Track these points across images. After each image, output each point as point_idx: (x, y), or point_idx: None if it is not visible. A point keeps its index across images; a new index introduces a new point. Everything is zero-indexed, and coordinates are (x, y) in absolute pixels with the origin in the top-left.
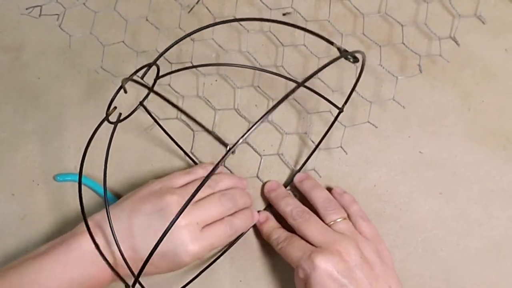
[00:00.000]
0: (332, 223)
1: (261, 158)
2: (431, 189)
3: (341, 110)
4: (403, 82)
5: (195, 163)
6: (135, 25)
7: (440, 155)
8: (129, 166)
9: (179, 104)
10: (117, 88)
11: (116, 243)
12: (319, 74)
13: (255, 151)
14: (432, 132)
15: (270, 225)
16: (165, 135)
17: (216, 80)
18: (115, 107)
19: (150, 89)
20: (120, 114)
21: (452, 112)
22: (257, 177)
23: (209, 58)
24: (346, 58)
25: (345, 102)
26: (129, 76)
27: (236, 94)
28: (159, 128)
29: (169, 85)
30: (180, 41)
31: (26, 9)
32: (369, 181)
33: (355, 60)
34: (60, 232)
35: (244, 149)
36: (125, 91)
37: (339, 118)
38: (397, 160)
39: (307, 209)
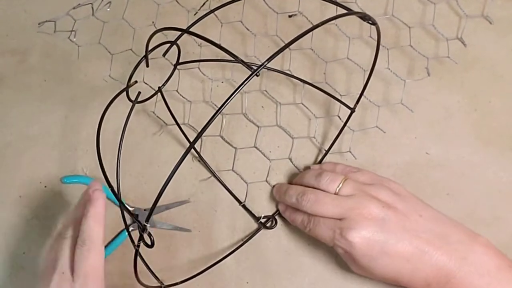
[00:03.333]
0: (337, 190)
1: (270, 162)
2: (438, 190)
3: (353, 110)
4: (409, 83)
5: (202, 160)
6: (143, 33)
7: (447, 156)
8: (135, 169)
9: (186, 110)
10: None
11: None
12: (327, 78)
13: (264, 155)
14: (439, 133)
15: (290, 211)
16: (171, 137)
17: (223, 82)
18: (136, 81)
19: (172, 71)
20: (139, 93)
21: (458, 113)
22: (266, 181)
23: (215, 62)
24: (364, 19)
25: (357, 101)
26: (150, 50)
27: (243, 98)
28: (165, 133)
29: (176, 91)
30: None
31: (38, 24)
32: None
33: (373, 23)
34: None
35: (252, 152)
36: (147, 65)
37: (348, 122)
38: (404, 161)
39: (308, 189)
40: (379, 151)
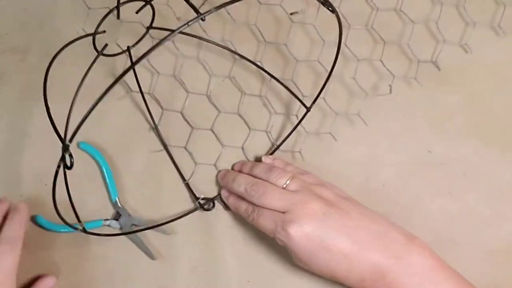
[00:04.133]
0: (285, 186)
1: (222, 148)
2: (440, 189)
3: (308, 109)
4: (412, 81)
5: (157, 131)
6: None
7: (449, 154)
8: (135, 169)
9: (153, 80)
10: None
11: None
12: (295, 77)
13: (218, 139)
14: (441, 131)
15: (234, 198)
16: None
17: (215, 78)
18: (104, 31)
19: (144, 34)
20: (106, 45)
21: (460, 112)
22: (214, 165)
23: (191, 41)
24: (323, 4)
25: (314, 101)
26: (123, 3)
27: (210, 80)
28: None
29: (146, 58)
30: None
31: None
32: (378, 181)
33: (333, 10)
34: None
35: (209, 137)
36: (118, 16)
37: (339, 122)
38: (406, 159)
39: (258, 180)
40: (381, 149)
